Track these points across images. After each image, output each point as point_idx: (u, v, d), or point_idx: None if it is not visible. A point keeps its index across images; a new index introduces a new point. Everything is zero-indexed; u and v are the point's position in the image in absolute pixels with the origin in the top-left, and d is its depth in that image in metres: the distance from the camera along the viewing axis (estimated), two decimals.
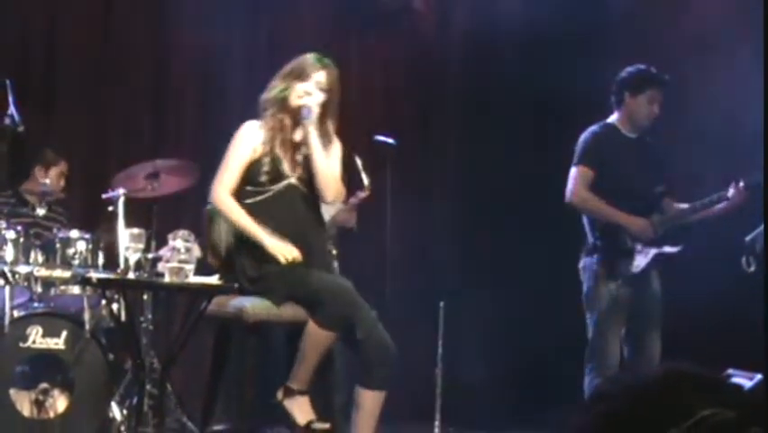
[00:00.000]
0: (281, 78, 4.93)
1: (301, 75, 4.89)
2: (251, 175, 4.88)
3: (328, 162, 4.88)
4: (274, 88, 4.92)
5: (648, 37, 7.01)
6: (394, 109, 8.11)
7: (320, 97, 4.88)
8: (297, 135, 4.92)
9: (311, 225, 4.98)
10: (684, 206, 5.66)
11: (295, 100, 4.86)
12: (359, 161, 6.07)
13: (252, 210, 4.89)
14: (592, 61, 7.16)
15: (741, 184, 5.50)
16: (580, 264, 5.71)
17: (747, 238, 5.38)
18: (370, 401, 4.80)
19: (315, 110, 4.84)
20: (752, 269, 5.34)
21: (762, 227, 5.37)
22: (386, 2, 8.02)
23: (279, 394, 4.83)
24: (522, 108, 7.63)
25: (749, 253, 5.35)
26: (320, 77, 4.90)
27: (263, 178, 4.86)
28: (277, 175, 4.87)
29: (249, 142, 4.89)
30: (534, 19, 7.46)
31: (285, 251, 4.75)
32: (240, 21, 7.68)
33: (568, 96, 7.15)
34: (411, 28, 8.16)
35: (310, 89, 4.87)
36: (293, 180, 4.89)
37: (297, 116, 4.89)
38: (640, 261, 5.57)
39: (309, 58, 4.95)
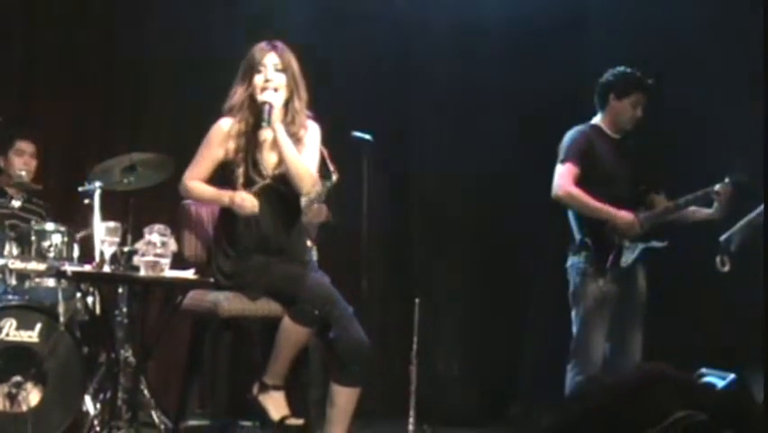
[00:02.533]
0: (240, 80, 4.90)
1: (255, 66, 4.86)
2: (227, 177, 4.87)
3: (300, 154, 4.85)
4: (236, 93, 4.89)
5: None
6: (373, 105, 8.11)
7: (281, 79, 4.85)
8: (269, 133, 4.90)
9: (289, 222, 4.97)
10: (671, 202, 5.68)
11: (260, 96, 4.84)
12: (325, 151, 6.06)
13: (228, 210, 4.88)
14: (576, 60, 7.18)
15: (727, 180, 5.54)
16: (568, 263, 5.73)
17: (722, 238, 5.42)
18: (344, 398, 4.79)
19: (280, 100, 4.83)
20: (726, 268, 5.37)
21: (737, 226, 5.40)
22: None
23: (255, 389, 4.83)
24: (504, 105, 7.64)
25: (724, 252, 5.38)
26: (272, 59, 4.87)
27: (240, 180, 4.85)
28: (253, 177, 4.86)
29: (220, 142, 4.87)
30: (519, 15, 7.47)
31: (247, 202, 4.79)
32: (219, 17, 7.66)
33: (551, 94, 7.18)
34: (393, 25, 8.16)
35: (269, 76, 4.84)
36: (269, 181, 4.88)
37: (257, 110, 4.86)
38: (627, 256, 5.60)
39: (257, 46, 4.93)
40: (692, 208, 5.69)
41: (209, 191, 4.91)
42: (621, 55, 6.05)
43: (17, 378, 5.28)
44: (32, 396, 5.31)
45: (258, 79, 4.84)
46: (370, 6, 7.79)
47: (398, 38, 8.11)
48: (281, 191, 4.90)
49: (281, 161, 4.85)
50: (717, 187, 5.55)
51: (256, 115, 4.85)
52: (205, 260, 5.11)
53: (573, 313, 5.71)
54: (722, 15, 6.52)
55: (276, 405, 4.80)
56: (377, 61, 8.06)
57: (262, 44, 4.92)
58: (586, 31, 7.54)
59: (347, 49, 7.78)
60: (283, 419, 4.79)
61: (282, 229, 4.93)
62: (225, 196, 4.84)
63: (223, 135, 4.88)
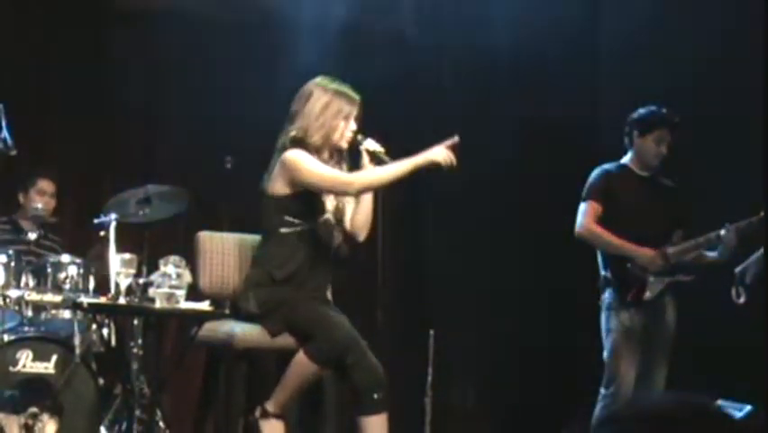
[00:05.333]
0: (322, 115, 4.92)
1: (344, 112, 4.93)
2: (294, 207, 4.88)
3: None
4: (317, 126, 4.91)
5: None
6: (386, 136, 8.12)
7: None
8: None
9: (330, 258, 5.01)
10: (700, 237, 5.68)
11: (342, 140, 4.92)
12: None
13: (285, 240, 4.89)
14: (587, 87, 7.20)
15: (733, 226, 5.55)
16: (600, 298, 5.78)
17: (737, 270, 5.42)
18: (374, 427, 4.77)
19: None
20: (741, 300, 5.37)
21: (752, 258, 5.40)
22: (376, 31, 8.05)
23: (256, 413, 4.83)
24: (517, 134, 7.65)
25: (739, 284, 5.38)
26: (355, 111, 4.98)
27: (306, 212, 4.88)
28: (318, 211, 4.90)
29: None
30: (529, 45, 7.49)
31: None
32: (234, 47, 7.70)
33: (562, 121, 7.19)
34: (405, 55, 8.19)
35: (359, 131, 4.94)
36: (328, 216, 4.93)
37: (337, 149, 4.95)
38: (653, 290, 5.61)
39: (345, 91, 4.99)
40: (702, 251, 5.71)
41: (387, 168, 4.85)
42: (633, 86, 6.07)
43: (33, 409, 5.29)
44: (49, 427, 5.32)
45: (347, 126, 4.93)
46: (381, 36, 7.84)
47: (410, 68, 8.14)
48: (333, 227, 4.96)
49: (339, 200, 4.98)
50: (723, 230, 5.57)
51: (336, 152, 4.95)
52: (221, 291, 5.14)
53: (605, 346, 5.77)
54: (740, 47, 6.52)
55: None
56: (388, 92, 8.09)
57: (350, 91, 5.00)
58: (598, 60, 7.56)
59: (358, 78, 7.81)
60: None
61: (326, 265, 4.98)
62: (410, 161, 4.82)
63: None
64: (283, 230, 4.89)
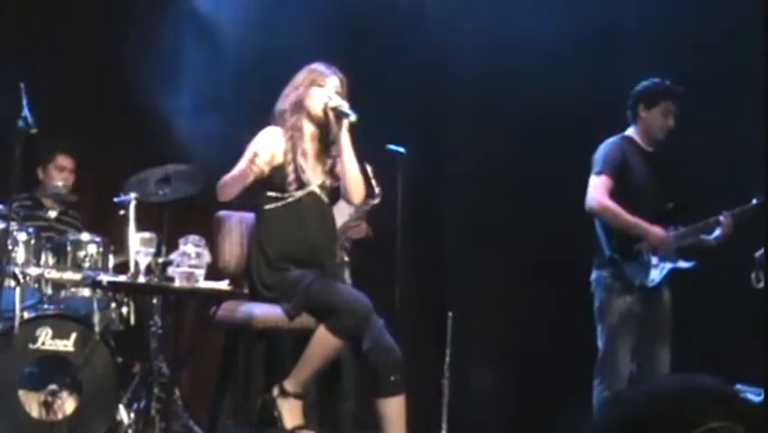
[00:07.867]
0: (295, 87, 5.03)
1: (316, 80, 5.00)
2: (273, 181, 4.91)
3: (356, 164, 4.97)
4: (288, 96, 5.00)
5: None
6: (405, 118, 8.11)
7: (339, 102, 4.94)
8: (310, 146, 4.97)
9: (325, 233, 5.01)
10: (699, 222, 5.66)
11: (315, 105, 4.96)
12: (369, 169, 6.09)
13: (270, 216, 4.92)
14: (605, 74, 7.17)
15: (730, 212, 5.54)
16: (592, 277, 5.72)
17: (757, 254, 5.39)
18: (391, 409, 4.78)
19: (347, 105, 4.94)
20: (761, 285, 5.34)
21: None
22: (398, 9, 8.02)
23: (275, 392, 4.84)
24: (534, 117, 7.62)
25: (759, 268, 5.36)
26: (334, 81, 5.01)
27: (285, 186, 4.90)
28: (299, 183, 4.91)
29: (269, 145, 4.92)
30: (547, 30, 7.46)
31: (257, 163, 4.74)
32: (251, 28, 7.69)
33: (580, 107, 7.16)
34: (423, 36, 8.17)
35: (330, 93, 4.94)
36: (314, 188, 4.93)
37: (319, 122, 4.98)
38: (655, 275, 5.58)
39: (319, 66, 5.08)
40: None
41: (236, 170, 4.84)
42: (652, 69, 6.04)
43: (53, 386, 5.32)
44: (68, 405, 5.35)
45: (318, 92, 4.98)
46: (401, 19, 7.81)
47: (430, 50, 8.12)
48: (323, 202, 4.97)
49: (331, 169, 4.99)
50: (721, 216, 5.55)
51: (310, 120, 4.99)
52: (240, 271, 5.14)
53: (599, 328, 5.71)
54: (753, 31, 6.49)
55: (291, 412, 4.80)
56: (409, 75, 8.07)
57: (324, 67, 5.09)
58: (617, 45, 7.52)
59: (379, 62, 7.79)
60: (295, 428, 4.79)
61: (319, 240, 4.97)
62: (244, 163, 4.80)
63: (272, 140, 4.94)
64: (267, 207, 4.92)
